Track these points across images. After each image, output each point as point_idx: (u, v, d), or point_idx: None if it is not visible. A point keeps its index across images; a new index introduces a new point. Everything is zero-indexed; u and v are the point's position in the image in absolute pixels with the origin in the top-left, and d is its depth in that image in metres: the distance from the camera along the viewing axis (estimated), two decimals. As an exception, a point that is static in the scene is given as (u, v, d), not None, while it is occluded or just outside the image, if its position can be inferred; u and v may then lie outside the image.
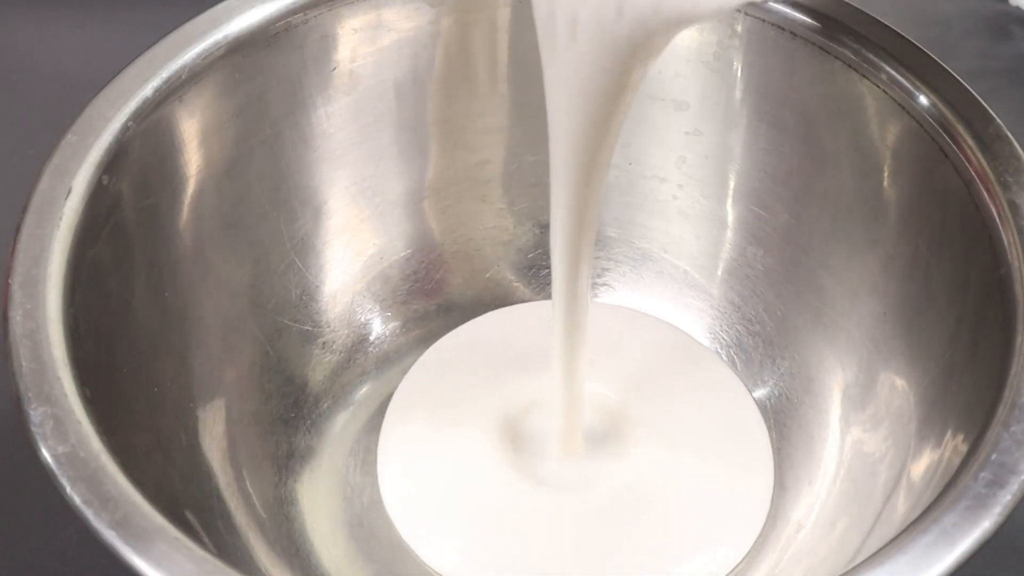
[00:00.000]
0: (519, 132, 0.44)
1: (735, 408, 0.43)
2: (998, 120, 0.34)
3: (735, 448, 0.42)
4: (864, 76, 0.37)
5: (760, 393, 0.43)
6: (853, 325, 0.40)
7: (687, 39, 0.41)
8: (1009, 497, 0.27)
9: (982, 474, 0.27)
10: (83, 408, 0.28)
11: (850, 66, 0.37)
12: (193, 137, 0.37)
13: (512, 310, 0.46)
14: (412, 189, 0.44)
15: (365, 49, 0.40)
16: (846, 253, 0.40)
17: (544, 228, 0.46)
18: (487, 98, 0.43)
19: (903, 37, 0.37)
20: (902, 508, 0.32)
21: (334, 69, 0.40)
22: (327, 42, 0.40)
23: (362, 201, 0.43)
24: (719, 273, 0.44)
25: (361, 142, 0.42)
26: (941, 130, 0.35)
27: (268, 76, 0.39)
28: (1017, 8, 0.58)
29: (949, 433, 0.32)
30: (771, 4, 0.38)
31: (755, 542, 0.39)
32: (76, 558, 0.39)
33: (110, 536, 0.26)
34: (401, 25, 0.40)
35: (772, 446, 0.42)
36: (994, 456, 0.27)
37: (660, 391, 0.43)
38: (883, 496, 0.35)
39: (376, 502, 0.41)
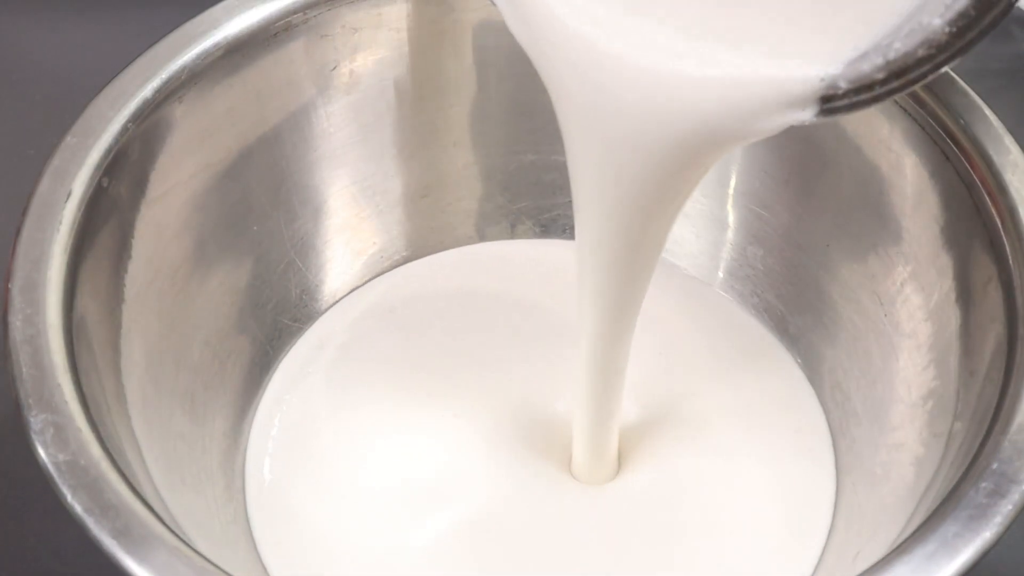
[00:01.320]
0: (519, 131, 0.44)
1: (793, 418, 0.40)
2: (998, 121, 0.34)
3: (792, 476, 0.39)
4: (865, 77, 0.37)
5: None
6: (853, 326, 0.40)
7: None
8: (1010, 507, 0.27)
9: (983, 484, 0.27)
10: (83, 415, 0.28)
11: (851, 66, 0.37)
12: (193, 137, 0.37)
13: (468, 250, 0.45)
14: (412, 188, 0.44)
15: (365, 49, 0.40)
16: (846, 254, 0.40)
17: (544, 228, 0.46)
18: (487, 97, 0.43)
19: (904, 38, 0.36)
20: (916, 516, 0.32)
21: (334, 69, 0.40)
22: (327, 42, 0.39)
23: (362, 200, 0.43)
24: (719, 273, 0.44)
25: (361, 142, 0.42)
26: (942, 132, 0.35)
27: (268, 76, 0.39)
28: (1017, 8, 0.58)
29: (950, 439, 0.32)
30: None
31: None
32: (76, 558, 0.39)
33: (111, 544, 0.26)
34: (401, 25, 0.40)
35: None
36: (995, 465, 0.27)
37: (703, 384, 0.41)
38: (888, 499, 0.35)
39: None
